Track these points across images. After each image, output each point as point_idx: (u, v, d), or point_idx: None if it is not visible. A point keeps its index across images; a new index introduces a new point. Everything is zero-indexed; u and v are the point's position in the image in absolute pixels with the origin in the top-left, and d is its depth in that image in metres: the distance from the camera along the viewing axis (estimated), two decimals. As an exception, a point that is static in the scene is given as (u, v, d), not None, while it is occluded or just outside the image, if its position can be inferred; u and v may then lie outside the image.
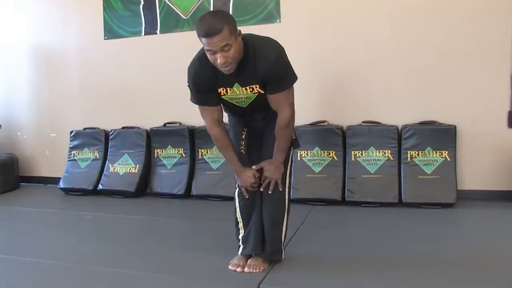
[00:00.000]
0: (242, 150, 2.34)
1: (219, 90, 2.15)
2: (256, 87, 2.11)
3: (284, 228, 2.33)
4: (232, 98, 2.18)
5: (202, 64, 2.10)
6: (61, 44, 4.73)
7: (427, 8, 3.57)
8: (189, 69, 2.15)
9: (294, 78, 2.16)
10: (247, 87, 2.11)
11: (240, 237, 2.36)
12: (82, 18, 4.62)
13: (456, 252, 2.49)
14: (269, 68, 2.04)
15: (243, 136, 2.36)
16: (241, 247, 2.35)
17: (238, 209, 2.36)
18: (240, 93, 2.14)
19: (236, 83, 2.11)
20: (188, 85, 2.18)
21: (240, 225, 2.35)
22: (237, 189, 2.36)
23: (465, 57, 3.53)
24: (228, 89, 2.14)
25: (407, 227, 2.99)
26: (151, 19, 4.34)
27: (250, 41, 2.07)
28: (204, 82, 2.12)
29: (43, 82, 4.86)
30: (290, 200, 2.37)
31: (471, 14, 3.49)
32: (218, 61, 1.94)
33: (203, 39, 1.93)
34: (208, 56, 1.98)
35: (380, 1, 3.67)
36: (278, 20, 3.92)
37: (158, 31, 4.33)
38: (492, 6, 3.44)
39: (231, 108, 2.29)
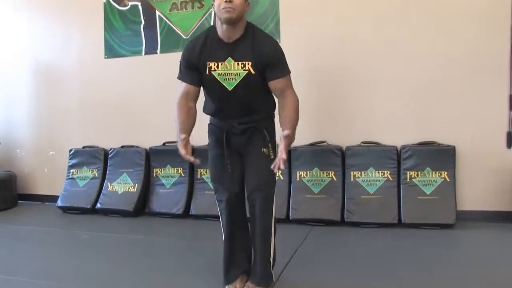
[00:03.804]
0: (228, 169, 2.31)
1: (210, 65, 2.19)
2: (248, 63, 2.17)
3: (272, 250, 2.30)
4: (221, 74, 2.19)
5: (200, 37, 2.23)
6: (61, 61, 4.77)
7: (426, 30, 3.61)
8: (188, 43, 2.28)
9: (289, 69, 2.25)
10: (240, 63, 2.17)
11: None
12: (83, 37, 4.67)
13: (455, 273, 2.47)
14: (267, 51, 2.17)
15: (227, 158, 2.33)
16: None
17: (223, 227, 2.43)
18: (231, 68, 2.18)
19: (230, 57, 2.17)
20: (180, 61, 2.26)
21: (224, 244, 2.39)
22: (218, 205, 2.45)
23: (464, 78, 3.56)
24: (220, 63, 2.18)
25: (407, 248, 2.97)
26: (151, 38, 4.38)
27: (252, 26, 2.24)
28: (197, 54, 2.19)
29: (43, 99, 4.88)
30: (276, 221, 2.34)
31: (470, 35, 3.52)
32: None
33: None
34: (216, 1, 2.10)
35: (379, 22, 3.72)
36: (278, 40, 3.94)
37: (158, 51, 4.37)
38: (490, 26, 3.48)
39: (215, 91, 2.27)
